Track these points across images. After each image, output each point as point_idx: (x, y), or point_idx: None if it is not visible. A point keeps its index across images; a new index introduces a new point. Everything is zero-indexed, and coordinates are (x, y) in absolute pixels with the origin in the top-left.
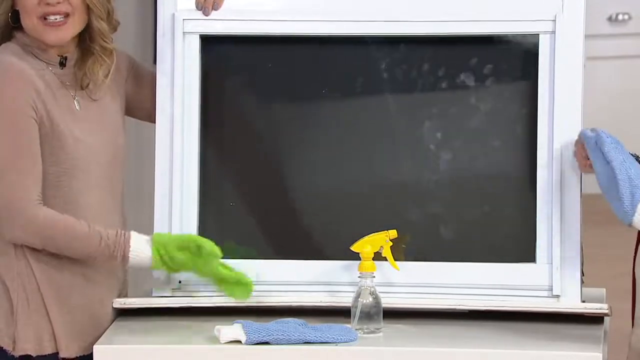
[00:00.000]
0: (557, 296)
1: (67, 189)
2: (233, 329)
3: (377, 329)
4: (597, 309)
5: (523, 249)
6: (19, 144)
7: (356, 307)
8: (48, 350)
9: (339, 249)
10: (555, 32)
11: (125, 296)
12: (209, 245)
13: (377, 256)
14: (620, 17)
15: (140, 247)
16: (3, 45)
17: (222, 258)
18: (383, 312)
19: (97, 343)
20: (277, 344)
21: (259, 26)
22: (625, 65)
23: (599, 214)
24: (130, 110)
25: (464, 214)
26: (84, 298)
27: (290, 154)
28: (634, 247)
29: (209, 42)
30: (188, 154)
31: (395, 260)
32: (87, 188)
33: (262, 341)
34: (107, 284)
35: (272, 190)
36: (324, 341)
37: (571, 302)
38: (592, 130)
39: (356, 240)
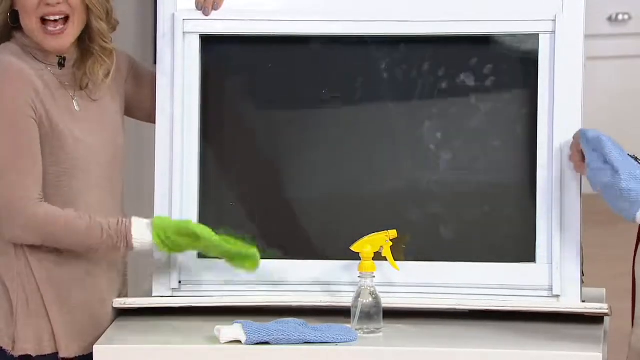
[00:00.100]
0: (557, 296)
1: (67, 189)
2: (233, 329)
3: (377, 329)
4: (597, 309)
5: (523, 249)
6: (18, 144)
7: (356, 307)
8: (48, 350)
9: (339, 249)
10: (555, 32)
11: (125, 296)
12: (206, 234)
13: (377, 256)
14: (620, 17)
15: (142, 234)
16: (2, 45)
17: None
18: (383, 312)
19: (97, 343)
20: (277, 344)
21: (259, 26)
22: (625, 65)
23: (599, 214)
24: (130, 110)
25: (464, 214)
26: (83, 298)
27: (290, 154)
28: (634, 247)
29: (209, 42)
30: (188, 154)
31: (395, 260)
32: (87, 188)
33: (262, 341)
34: (107, 284)
35: (272, 190)
36: (324, 341)
37: (571, 302)
38: (591, 130)
39: (356, 240)
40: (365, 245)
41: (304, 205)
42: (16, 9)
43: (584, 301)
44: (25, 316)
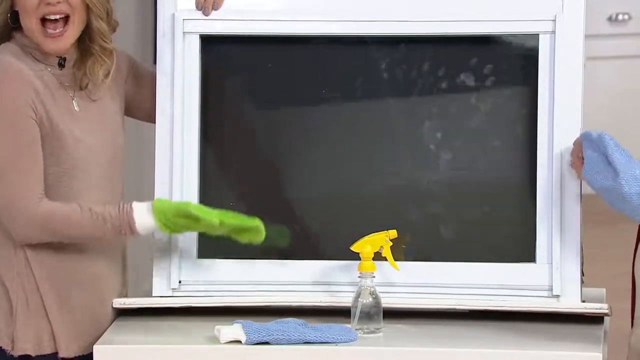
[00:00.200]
0: (557, 296)
1: (67, 189)
2: (233, 329)
3: (377, 329)
4: (597, 309)
5: (523, 249)
6: (18, 144)
7: (356, 307)
8: (47, 350)
9: (339, 249)
10: (555, 32)
11: (125, 296)
12: (206, 215)
13: (377, 256)
14: (620, 17)
15: (143, 218)
16: (2, 45)
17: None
18: (383, 312)
19: (97, 343)
20: (277, 344)
21: (259, 26)
22: (625, 65)
23: (599, 214)
24: (130, 110)
25: (464, 214)
26: (83, 298)
27: (290, 154)
28: (634, 247)
29: (209, 42)
30: (188, 154)
31: (395, 260)
32: (87, 188)
33: (262, 341)
34: (107, 284)
35: (272, 190)
36: (324, 341)
37: (571, 302)
38: (595, 131)
39: (356, 240)
40: (365, 245)
41: (304, 205)
42: (16, 9)
43: (584, 301)
44: (24, 316)
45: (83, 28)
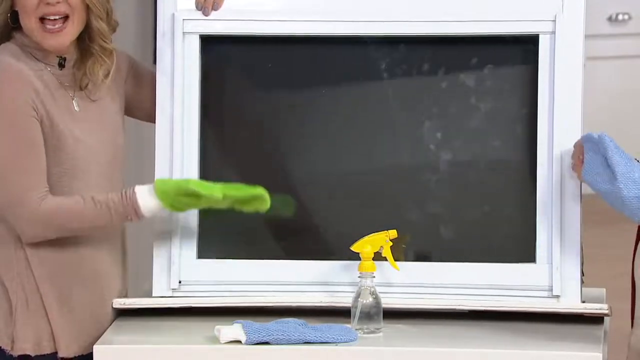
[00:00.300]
0: (557, 296)
1: (67, 189)
2: (233, 329)
3: (377, 329)
4: (597, 309)
5: (523, 249)
6: (20, 144)
7: (356, 307)
8: (47, 350)
9: (339, 249)
10: (555, 32)
11: (125, 296)
12: (207, 192)
13: (377, 256)
14: (620, 17)
15: (148, 201)
16: (2, 45)
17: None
18: (383, 312)
19: (97, 343)
20: (277, 344)
21: (259, 26)
22: (625, 65)
23: (599, 214)
24: (130, 110)
25: (464, 214)
26: (83, 298)
27: (291, 154)
28: (634, 247)
29: (208, 42)
30: (188, 154)
31: (395, 260)
32: (87, 188)
33: (262, 341)
34: (107, 284)
35: (272, 190)
36: (324, 341)
37: (571, 302)
38: (595, 134)
39: (356, 240)
40: (365, 245)
41: (304, 205)
42: (16, 9)
43: (584, 301)
44: (24, 316)
45: (83, 28)
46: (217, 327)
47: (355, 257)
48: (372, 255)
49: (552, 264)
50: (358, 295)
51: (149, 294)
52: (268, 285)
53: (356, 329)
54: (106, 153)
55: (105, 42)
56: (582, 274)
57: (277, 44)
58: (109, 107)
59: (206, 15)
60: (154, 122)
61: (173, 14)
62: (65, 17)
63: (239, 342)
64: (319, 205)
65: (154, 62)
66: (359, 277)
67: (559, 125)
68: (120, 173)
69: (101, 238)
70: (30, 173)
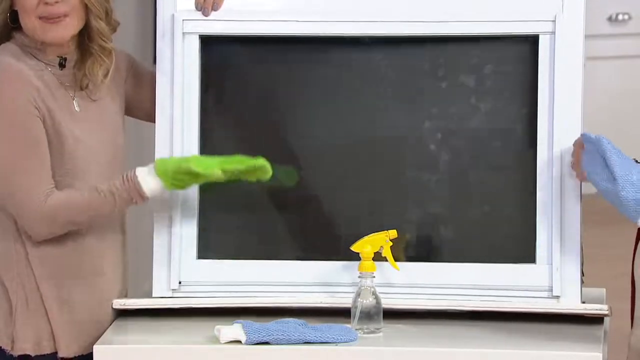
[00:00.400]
0: (557, 297)
1: (68, 189)
2: (233, 329)
3: (377, 329)
4: (597, 310)
5: (523, 250)
6: (21, 144)
7: (356, 307)
8: (47, 350)
9: (339, 249)
10: (555, 32)
11: (125, 296)
12: (206, 170)
13: (377, 256)
14: (620, 17)
15: (150, 182)
16: (2, 45)
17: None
18: (383, 312)
19: (97, 343)
20: (277, 344)
21: (259, 26)
22: (625, 65)
23: (599, 214)
24: (130, 109)
25: (464, 214)
26: (83, 298)
27: (290, 154)
28: (634, 247)
29: (208, 43)
30: (188, 154)
31: (395, 260)
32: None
33: (262, 341)
34: (107, 284)
35: (272, 191)
36: (324, 341)
37: (571, 303)
38: (592, 134)
39: (356, 240)
40: (365, 245)
41: (304, 205)
42: (15, 9)
43: (584, 302)
44: (24, 316)
45: (82, 27)
46: (217, 327)
47: (355, 257)
48: (372, 255)
49: (552, 264)
50: (358, 295)
51: (149, 294)
52: (268, 286)
53: (356, 329)
54: (106, 153)
55: (104, 41)
56: (582, 274)
57: (277, 44)
58: (109, 107)
59: (206, 16)
60: (154, 122)
61: (173, 15)
62: (64, 17)
63: (239, 342)
64: (319, 206)
65: (154, 62)
66: (359, 277)
67: (559, 125)
68: (120, 173)
69: (101, 238)
70: (33, 172)
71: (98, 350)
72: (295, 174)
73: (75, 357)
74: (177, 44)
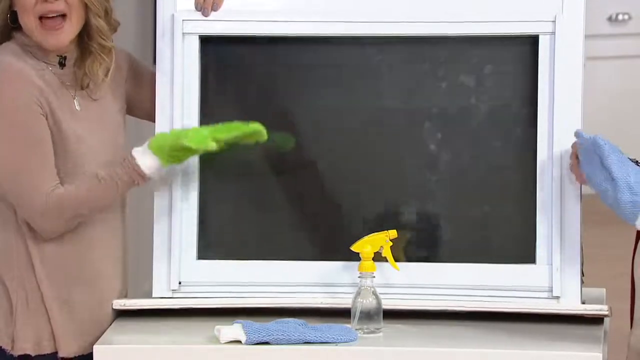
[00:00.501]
0: (557, 297)
1: (69, 184)
2: (233, 329)
3: (377, 329)
4: (597, 310)
5: (523, 250)
6: (22, 143)
7: (356, 307)
8: (47, 350)
9: (339, 249)
10: (555, 32)
11: (125, 296)
12: (200, 145)
13: (377, 256)
14: (620, 17)
15: (147, 161)
16: (2, 45)
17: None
18: (383, 312)
19: (97, 343)
20: (277, 344)
21: (259, 26)
22: (625, 65)
23: (599, 214)
24: (130, 109)
25: (464, 214)
26: (84, 298)
27: (290, 154)
28: (633, 247)
29: (208, 43)
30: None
31: (395, 260)
32: None
33: (262, 341)
34: (107, 284)
35: (272, 191)
36: (324, 341)
37: (571, 303)
38: (589, 135)
39: (356, 240)
40: (365, 245)
41: (304, 206)
42: (15, 9)
43: (584, 302)
44: (24, 316)
45: (82, 26)
46: (217, 327)
47: (355, 257)
48: (372, 255)
49: (552, 264)
50: (358, 295)
51: (149, 295)
52: (268, 286)
53: (356, 329)
54: (106, 153)
55: (104, 40)
56: (582, 274)
57: (277, 44)
58: (110, 106)
59: (206, 16)
60: (154, 121)
61: (173, 15)
62: (63, 16)
63: (239, 342)
64: (319, 206)
65: (154, 62)
66: (359, 277)
67: (559, 125)
68: None
69: (102, 239)
70: (36, 171)
71: (98, 350)
72: (292, 139)
73: (75, 357)
74: (177, 44)
